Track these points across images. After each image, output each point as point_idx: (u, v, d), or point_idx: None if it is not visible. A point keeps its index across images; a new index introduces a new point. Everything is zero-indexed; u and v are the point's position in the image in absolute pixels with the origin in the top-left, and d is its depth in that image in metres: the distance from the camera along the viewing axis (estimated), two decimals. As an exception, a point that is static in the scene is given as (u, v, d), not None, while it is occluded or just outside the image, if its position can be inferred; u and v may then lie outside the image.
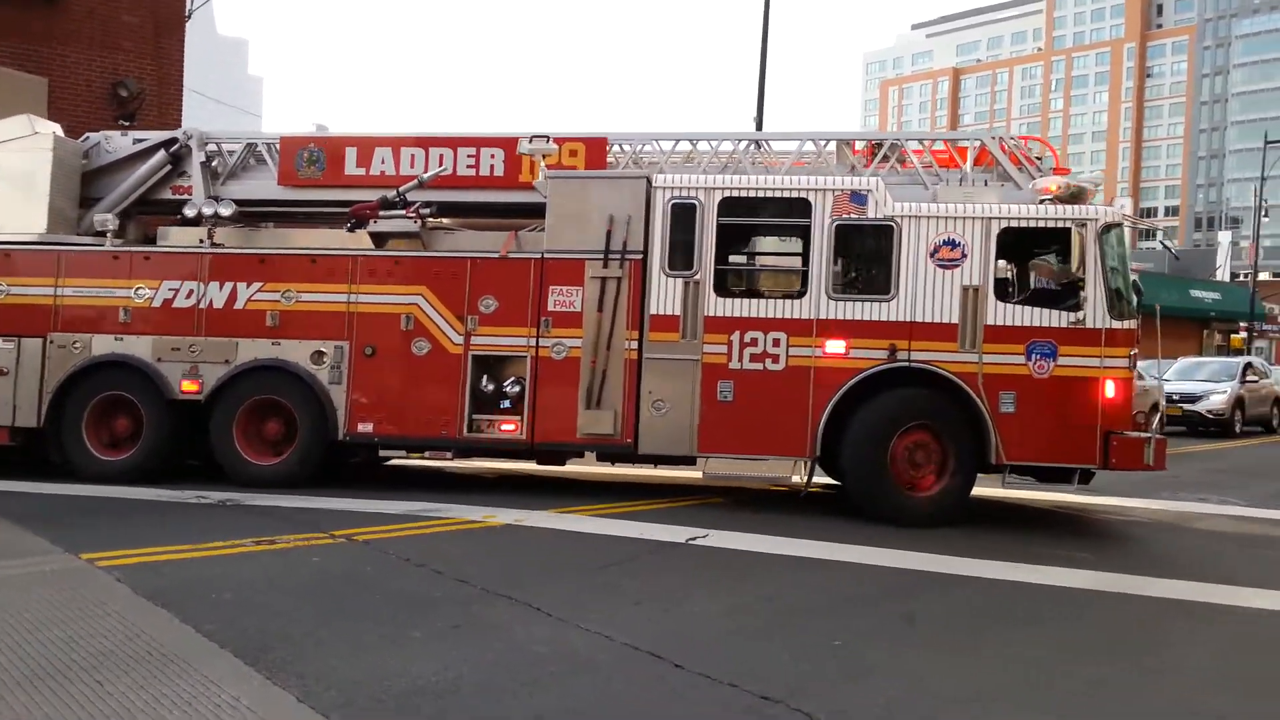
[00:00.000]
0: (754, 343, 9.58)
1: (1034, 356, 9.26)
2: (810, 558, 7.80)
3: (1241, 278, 58.11)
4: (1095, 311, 9.22)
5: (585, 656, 5.28)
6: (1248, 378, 23.78)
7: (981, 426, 9.19)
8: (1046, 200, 9.52)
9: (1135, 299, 9.64)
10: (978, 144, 10.74)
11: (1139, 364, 10.20)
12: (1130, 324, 9.41)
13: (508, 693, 4.73)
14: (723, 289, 9.78)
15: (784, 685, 4.90)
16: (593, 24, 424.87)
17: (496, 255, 10.08)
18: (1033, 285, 10.05)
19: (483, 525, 8.56)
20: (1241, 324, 45.08)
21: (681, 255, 9.73)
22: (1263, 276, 56.64)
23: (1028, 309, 9.39)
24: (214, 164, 11.40)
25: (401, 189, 10.40)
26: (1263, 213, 44.23)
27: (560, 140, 10.37)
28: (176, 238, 10.84)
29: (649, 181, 9.86)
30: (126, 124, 15.21)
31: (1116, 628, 6.33)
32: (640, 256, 9.76)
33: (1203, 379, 23.70)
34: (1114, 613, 6.65)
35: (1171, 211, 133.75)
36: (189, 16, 17.89)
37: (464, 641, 5.45)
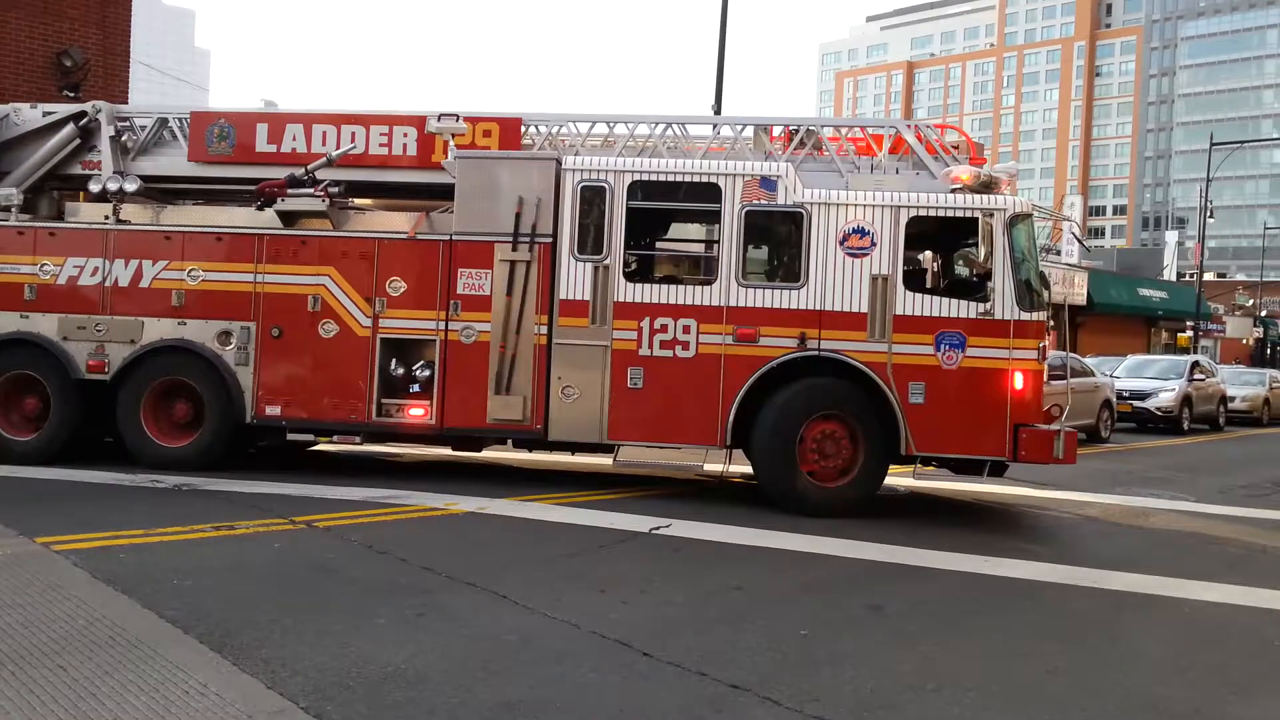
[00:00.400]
0: (664, 329, 9.52)
1: (943, 347, 9.28)
2: (777, 548, 7.87)
3: (1188, 277, 59.41)
4: (1003, 303, 9.21)
5: (553, 645, 5.29)
6: (1195, 376, 24.13)
7: (892, 417, 9.27)
8: (958, 189, 9.50)
9: (1046, 291, 9.74)
10: (893, 131, 10.63)
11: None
12: (1039, 316, 9.47)
13: (477, 681, 4.73)
14: (632, 274, 9.74)
15: (753, 673, 4.96)
16: (555, 4, 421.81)
17: (404, 236, 9.96)
18: (942, 275, 10.11)
19: (445, 513, 8.52)
20: (1188, 323, 46.03)
21: (591, 239, 9.63)
22: (1208, 277, 57.98)
23: (937, 299, 9.38)
24: (124, 139, 11.07)
25: (309, 167, 10.25)
26: (1208, 214, 45.19)
27: (474, 120, 10.31)
28: (85, 214, 10.67)
29: (559, 163, 9.72)
30: (70, 95, 14.84)
31: (1073, 618, 6.48)
32: (550, 240, 9.65)
33: (1152, 376, 24.04)
34: (1070, 604, 6.81)
35: (1119, 210, 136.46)
36: (137, -15, 17.46)
37: (431, 629, 5.43)
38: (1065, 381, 13.72)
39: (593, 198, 9.61)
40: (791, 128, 10.63)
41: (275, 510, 8.17)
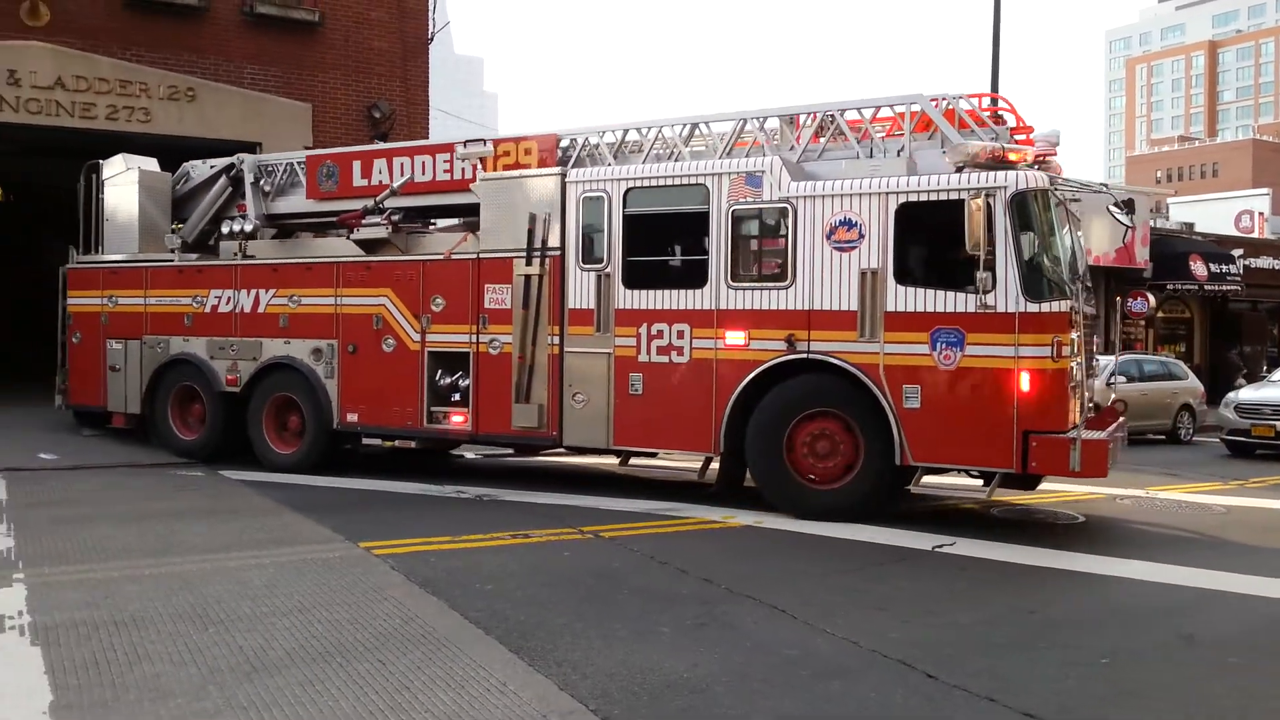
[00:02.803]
0: (660, 335, 9.40)
1: (939, 345, 8.35)
2: (1072, 570, 7.42)
3: None
4: (1007, 293, 8.15)
5: (833, 661, 5.23)
6: None
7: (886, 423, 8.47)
8: (965, 167, 8.40)
9: (1072, 274, 8.51)
10: (916, 108, 9.30)
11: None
12: (1056, 306, 8.21)
13: (757, 693, 4.76)
14: (631, 281, 9.60)
15: (1049, 702, 4.68)
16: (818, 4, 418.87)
17: (441, 257, 10.57)
18: (939, 265, 8.73)
19: (722, 525, 8.63)
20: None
21: (593, 248, 9.73)
22: None
23: (932, 292, 8.43)
24: (262, 184, 12.48)
25: (378, 198, 11.12)
26: None
27: (517, 140, 10.71)
28: (225, 251, 12.21)
29: (563, 177, 9.89)
30: (381, 142, 16.38)
31: None
32: (559, 252, 9.84)
33: None
34: None
35: None
36: (431, 39, 19.02)
37: (711, 640, 5.52)
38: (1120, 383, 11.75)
39: (593, 208, 9.73)
40: (805, 115, 9.80)
41: (565, 520, 8.60)
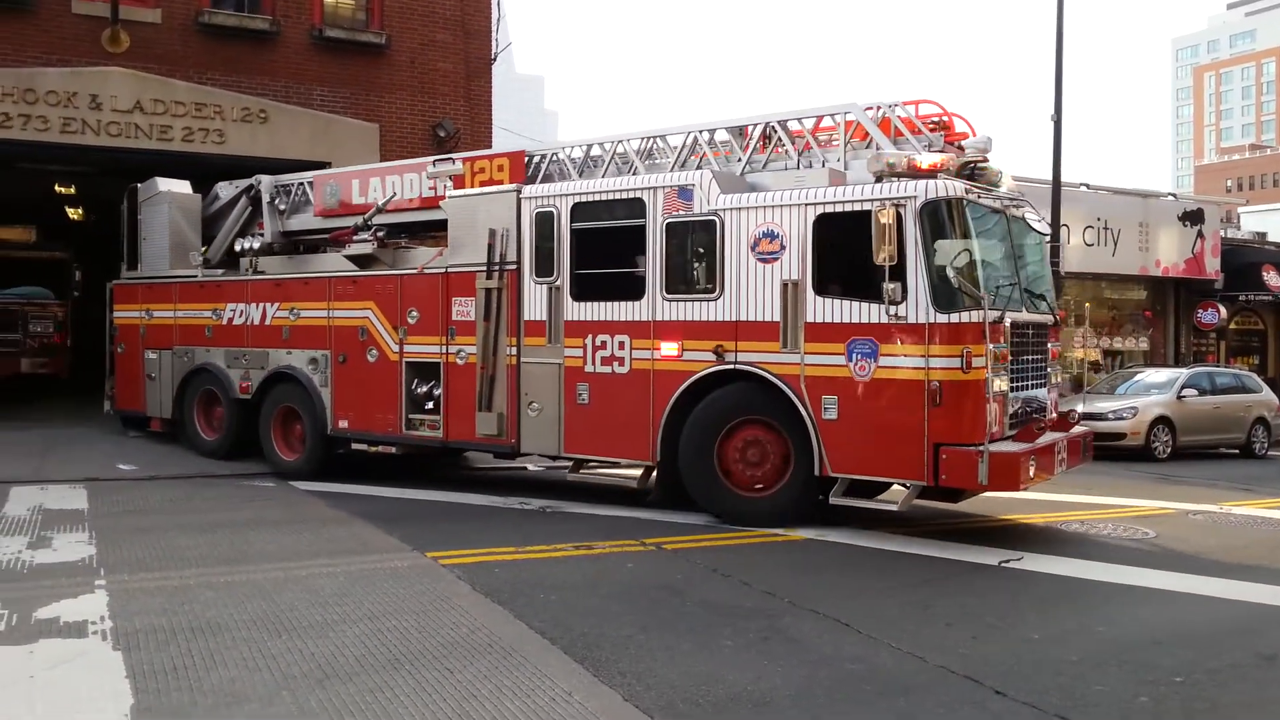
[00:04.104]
0: (604, 346, 9.58)
1: (855, 356, 8.34)
2: (1144, 586, 7.28)
3: None
4: (917, 303, 8.06)
5: (899, 677, 5.19)
6: None
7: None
8: (884, 176, 8.34)
9: (1006, 284, 8.36)
10: (850, 117, 9.38)
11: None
12: (968, 316, 8.01)
13: (821, 708, 4.75)
14: (578, 293, 9.80)
15: (1121, 720, 4.61)
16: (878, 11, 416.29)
17: (415, 271, 10.96)
18: (854, 276, 8.54)
19: (784, 538, 8.60)
20: None
21: (545, 262, 9.95)
22: None
23: (848, 303, 8.41)
24: (276, 203, 13.16)
25: (366, 215, 11.68)
26: None
27: (491, 158, 11.28)
28: (242, 268, 12.85)
29: (519, 193, 10.17)
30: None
31: None
32: (515, 267, 10.11)
33: None
34: None
35: None
36: (494, 59, 19.30)
37: (774, 653, 5.52)
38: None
39: (544, 223, 9.95)
40: (753, 126, 9.97)
41: (628, 533, 8.64)
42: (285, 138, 16.33)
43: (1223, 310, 24.88)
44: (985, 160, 8.96)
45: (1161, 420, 17.03)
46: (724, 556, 7.89)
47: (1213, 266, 25.06)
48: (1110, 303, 25.02)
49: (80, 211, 23.71)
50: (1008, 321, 8.36)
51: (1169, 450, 16.93)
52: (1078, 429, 9.84)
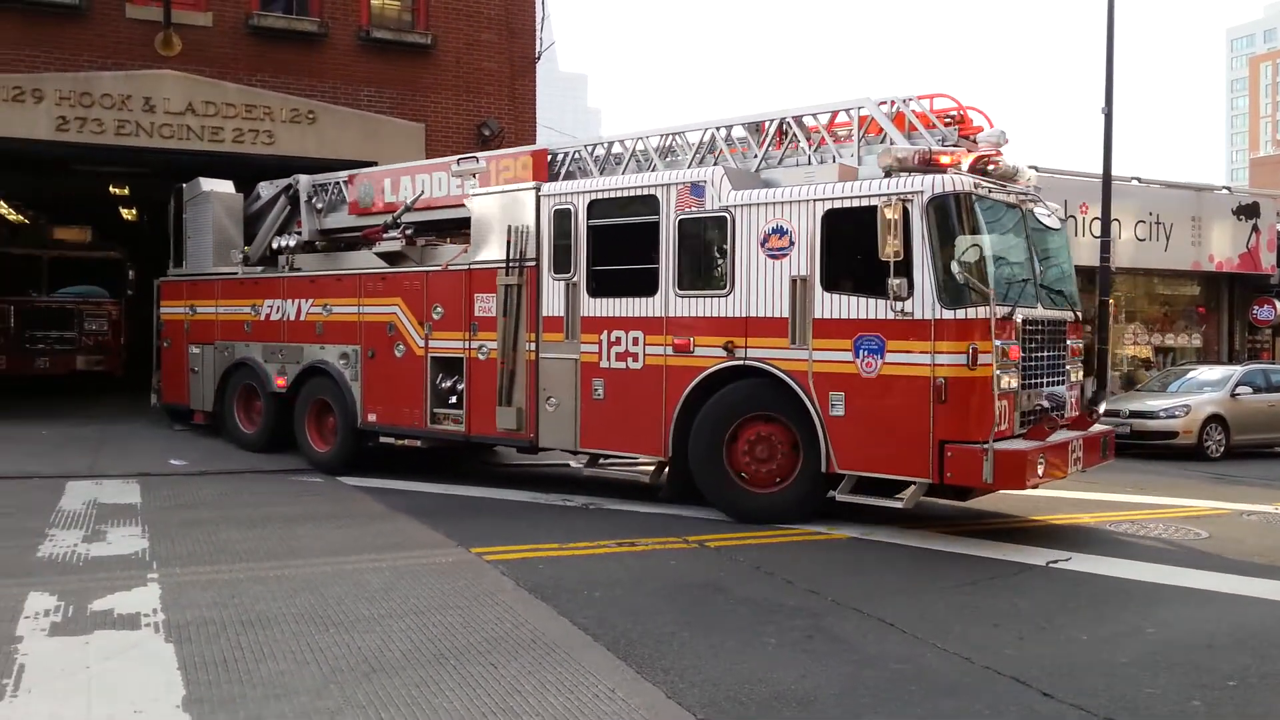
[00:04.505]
0: (618, 341, 9.63)
1: (861, 353, 8.28)
2: (1196, 588, 7.15)
3: None
4: (924, 300, 7.99)
5: (944, 677, 5.15)
6: None
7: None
8: (893, 171, 8.24)
9: (1020, 280, 8.19)
10: (864, 111, 9.34)
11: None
12: (974, 313, 7.89)
13: (866, 708, 4.72)
14: (594, 289, 9.86)
15: (1172, 724, 4.53)
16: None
17: (440, 269, 11.13)
18: (863, 272, 8.51)
19: (827, 537, 8.56)
20: None
21: (563, 259, 10.04)
22: None
23: (856, 299, 8.38)
24: (314, 201, 13.44)
25: (395, 213, 11.88)
26: None
27: (515, 155, 11.42)
28: (279, 265, 13.22)
29: (538, 190, 10.27)
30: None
31: None
32: (534, 263, 10.20)
33: None
34: None
35: None
36: (538, 58, 19.37)
37: (818, 652, 5.49)
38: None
39: (562, 220, 10.04)
40: (770, 122, 9.98)
41: (671, 530, 8.65)
42: (333, 138, 16.52)
43: (1279, 306, 24.31)
44: (999, 154, 8.88)
45: (1215, 419, 16.68)
46: (767, 554, 7.87)
47: (1269, 261, 24.44)
48: (1162, 298, 24.55)
49: (134, 212, 24.21)
50: (1019, 318, 8.31)
51: (1222, 449, 16.59)
52: (1098, 427, 9.67)
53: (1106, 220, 18.25)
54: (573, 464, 12.11)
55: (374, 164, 15.08)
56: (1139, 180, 22.79)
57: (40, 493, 9.90)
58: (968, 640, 5.70)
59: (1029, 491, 10.65)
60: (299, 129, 16.32)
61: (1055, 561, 7.78)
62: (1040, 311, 8.72)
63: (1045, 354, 8.85)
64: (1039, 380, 8.78)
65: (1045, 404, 8.81)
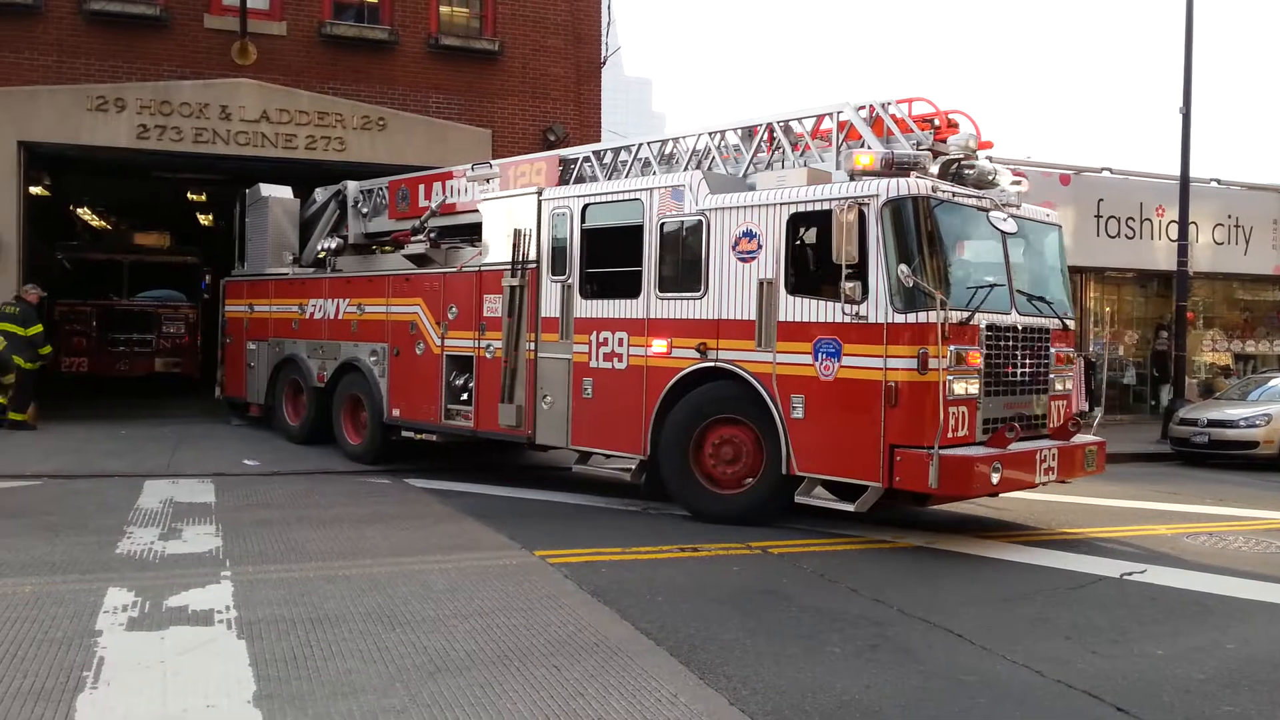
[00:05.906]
0: (606, 342, 9.84)
1: (820, 356, 8.31)
2: (1276, 603, 6.90)
3: None
4: (877, 303, 7.96)
5: (1013, 690, 5.04)
6: None
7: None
8: (859, 174, 8.14)
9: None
10: (843, 116, 9.36)
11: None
12: (925, 316, 7.71)
13: (932, 719, 4.64)
14: (586, 291, 10.09)
15: (1253, 744, 4.38)
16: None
17: (455, 270, 11.48)
18: (824, 275, 8.56)
19: (892, 545, 8.46)
20: None
21: (559, 261, 10.29)
22: None
23: (816, 303, 8.40)
24: (359, 206, 14.06)
25: (422, 218, 12.46)
26: None
27: (531, 161, 11.78)
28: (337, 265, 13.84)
29: (540, 195, 10.53)
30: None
31: None
32: (534, 265, 10.47)
33: None
34: None
35: None
36: (604, 63, 19.46)
37: (883, 662, 5.42)
38: None
39: (559, 223, 10.30)
40: (756, 126, 10.09)
41: (733, 536, 8.60)
42: (402, 144, 16.81)
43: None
44: (971, 158, 8.81)
45: (1297, 428, 16.09)
46: (831, 562, 7.79)
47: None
48: (1242, 304, 23.81)
49: (210, 218, 24.86)
50: (982, 323, 8.21)
51: (1307, 460, 16.00)
52: (1083, 437, 9.32)
53: (1184, 223, 17.77)
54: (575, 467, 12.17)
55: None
56: (1219, 182, 22.14)
57: (119, 491, 10.19)
58: (1038, 653, 5.59)
59: (1103, 502, 10.53)
60: (369, 135, 16.64)
61: (1130, 573, 7.58)
62: (1014, 318, 8.62)
63: (1022, 361, 8.71)
64: (1015, 388, 8.66)
65: (1009, 414, 8.62)
